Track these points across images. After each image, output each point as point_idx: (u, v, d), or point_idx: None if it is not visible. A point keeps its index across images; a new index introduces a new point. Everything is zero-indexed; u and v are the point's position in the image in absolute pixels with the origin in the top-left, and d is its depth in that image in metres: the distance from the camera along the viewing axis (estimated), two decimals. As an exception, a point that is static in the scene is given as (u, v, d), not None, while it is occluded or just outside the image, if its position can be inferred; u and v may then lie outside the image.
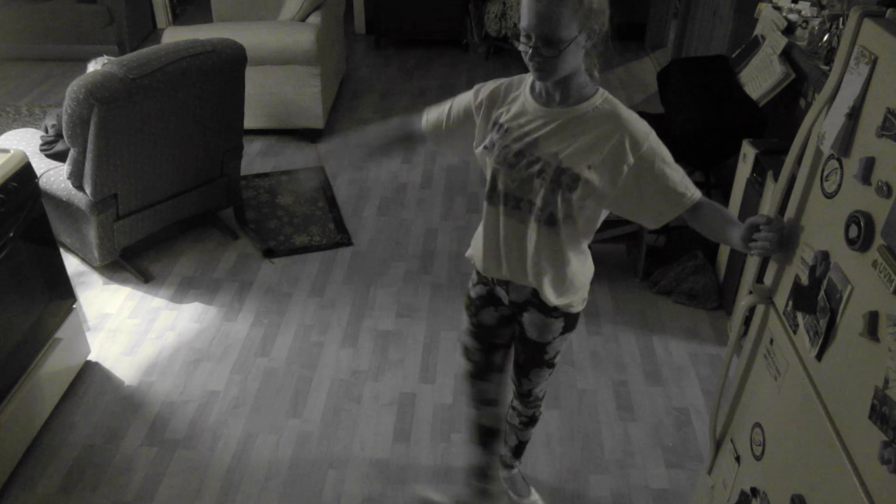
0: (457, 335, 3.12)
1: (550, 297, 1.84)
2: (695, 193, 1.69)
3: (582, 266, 1.87)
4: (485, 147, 1.77)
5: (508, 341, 2.08)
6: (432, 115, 1.93)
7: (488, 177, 1.79)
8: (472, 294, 2.04)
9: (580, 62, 1.62)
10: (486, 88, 1.80)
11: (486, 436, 2.26)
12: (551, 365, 2.06)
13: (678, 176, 1.68)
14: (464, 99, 1.86)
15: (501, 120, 1.75)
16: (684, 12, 5.22)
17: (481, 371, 2.13)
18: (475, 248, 1.96)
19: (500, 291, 1.96)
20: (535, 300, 1.89)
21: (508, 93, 1.76)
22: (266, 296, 3.35)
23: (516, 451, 2.40)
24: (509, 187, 1.74)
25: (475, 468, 2.34)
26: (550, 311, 1.90)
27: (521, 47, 1.59)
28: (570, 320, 1.95)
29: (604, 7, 1.59)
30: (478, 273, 2.00)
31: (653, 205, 1.71)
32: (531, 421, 2.28)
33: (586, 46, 1.60)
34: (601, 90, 1.69)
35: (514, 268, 1.85)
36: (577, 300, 1.90)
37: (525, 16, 1.55)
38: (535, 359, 2.04)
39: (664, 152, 1.67)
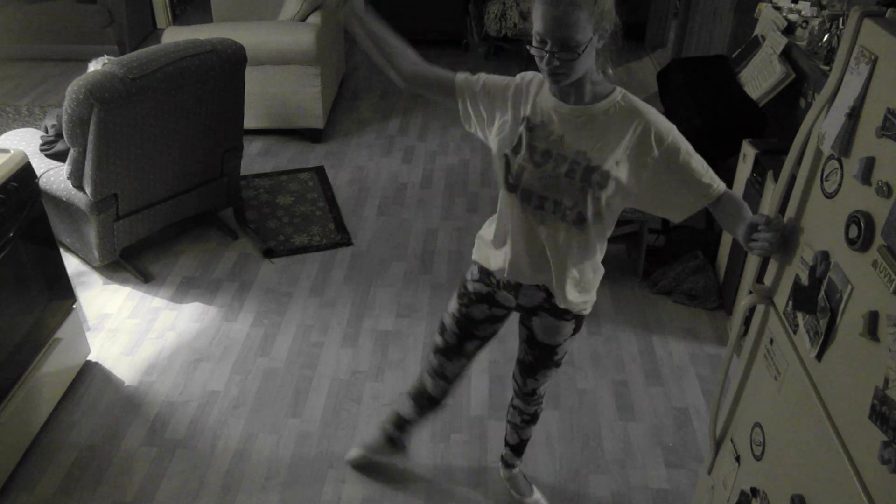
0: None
1: (572, 296, 1.84)
2: (720, 185, 1.71)
3: (599, 261, 1.88)
4: (512, 145, 1.74)
5: (488, 336, 2.07)
6: (469, 76, 1.83)
7: (504, 170, 1.75)
8: (469, 287, 2.01)
9: (592, 62, 1.62)
10: (525, 80, 1.76)
11: (426, 400, 2.26)
12: (559, 364, 2.07)
13: (703, 168, 1.69)
14: (502, 79, 1.79)
15: (529, 115, 1.72)
16: (684, 12, 5.22)
17: (450, 352, 2.10)
18: (488, 249, 1.92)
19: (505, 296, 1.94)
20: (546, 304, 1.89)
21: (539, 90, 1.74)
22: (266, 296, 3.35)
23: (517, 449, 2.40)
24: (534, 186, 1.72)
25: (398, 417, 2.36)
26: (563, 315, 1.90)
27: (534, 52, 1.58)
28: (580, 322, 1.97)
29: (612, 6, 1.60)
30: (481, 272, 1.97)
31: (679, 197, 1.72)
32: (533, 419, 2.29)
33: (598, 46, 1.61)
34: (619, 88, 1.69)
35: (532, 272, 1.83)
36: (591, 299, 1.91)
37: (540, 21, 1.54)
38: (544, 360, 2.05)
39: (688, 145, 1.69)
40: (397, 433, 2.41)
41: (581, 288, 1.85)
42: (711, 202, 1.71)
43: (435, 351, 2.15)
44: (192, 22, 6.02)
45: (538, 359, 2.05)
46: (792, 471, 1.54)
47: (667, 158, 1.66)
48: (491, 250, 1.91)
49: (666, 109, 3.75)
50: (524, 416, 2.27)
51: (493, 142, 1.79)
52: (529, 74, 1.77)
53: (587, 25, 1.53)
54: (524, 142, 1.72)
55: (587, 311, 1.94)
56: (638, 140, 1.66)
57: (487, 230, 1.95)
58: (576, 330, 1.97)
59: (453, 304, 2.06)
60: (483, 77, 1.81)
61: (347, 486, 2.48)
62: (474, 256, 1.98)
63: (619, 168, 1.67)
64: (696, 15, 4.90)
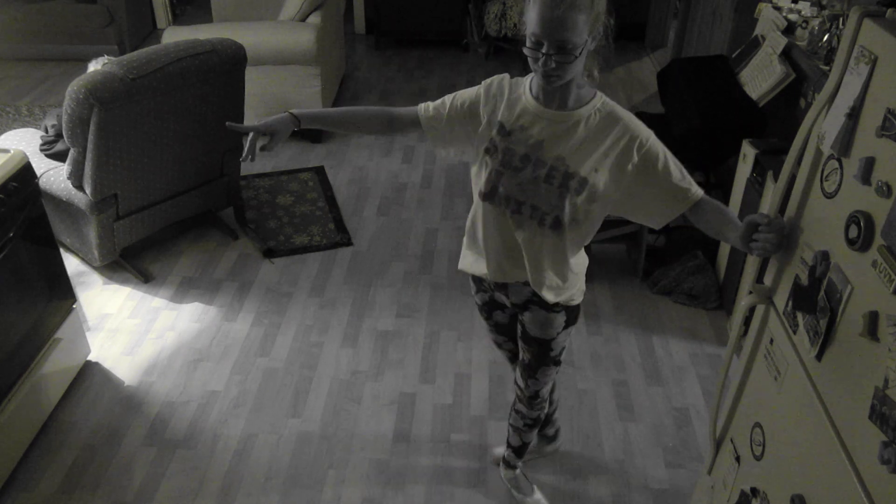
0: (457, 335, 3.12)
1: (550, 297, 1.87)
2: (697, 191, 1.72)
3: (577, 261, 1.90)
4: (486, 149, 1.76)
5: None
6: (431, 106, 1.87)
7: (485, 177, 1.78)
8: (478, 301, 2.12)
9: (583, 65, 1.63)
10: (493, 85, 1.79)
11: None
12: (557, 362, 2.07)
13: (680, 174, 1.71)
14: (469, 94, 1.82)
15: (503, 120, 1.74)
16: (684, 12, 5.22)
17: (516, 356, 2.20)
18: (469, 256, 1.98)
19: (500, 296, 2.00)
20: (535, 298, 1.91)
21: (512, 92, 1.76)
22: (266, 296, 3.35)
23: (518, 451, 2.40)
24: (512, 191, 1.74)
25: (539, 440, 2.51)
26: (552, 307, 1.92)
27: (528, 52, 1.58)
28: (572, 313, 1.97)
29: (605, 8, 1.60)
30: (474, 281, 2.04)
31: (657, 204, 1.73)
32: (535, 423, 2.28)
33: (590, 49, 1.61)
34: (599, 93, 1.71)
35: (513, 270, 1.87)
36: (576, 293, 1.93)
37: (537, 22, 1.53)
38: (541, 357, 2.05)
39: (666, 151, 1.70)
40: (542, 443, 2.54)
41: (560, 291, 1.88)
42: (690, 207, 1.71)
43: (510, 361, 2.29)
44: (192, 22, 6.02)
45: (535, 356, 2.05)
46: (792, 471, 1.54)
47: (645, 164, 1.68)
48: (474, 258, 1.96)
49: (666, 109, 3.75)
50: (527, 420, 2.27)
51: (478, 153, 1.80)
52: (496, 79, 1.79)
53: (584, 28, 1.54)
54: (499, 147, 1.73)
55: (576, 302, 1.95)
56: (620, 148, 1.67)
57: (466, 241, 2.00)
58: (568, 322, 1.97)
59: (484, 322, 2.20)
60: (448, 99, 1.84)
61: (347, 486, 2.48)
62: (461, 267, 2.03)
63: (597, 175, 1.68)
64: (696, 15, 4.90)
